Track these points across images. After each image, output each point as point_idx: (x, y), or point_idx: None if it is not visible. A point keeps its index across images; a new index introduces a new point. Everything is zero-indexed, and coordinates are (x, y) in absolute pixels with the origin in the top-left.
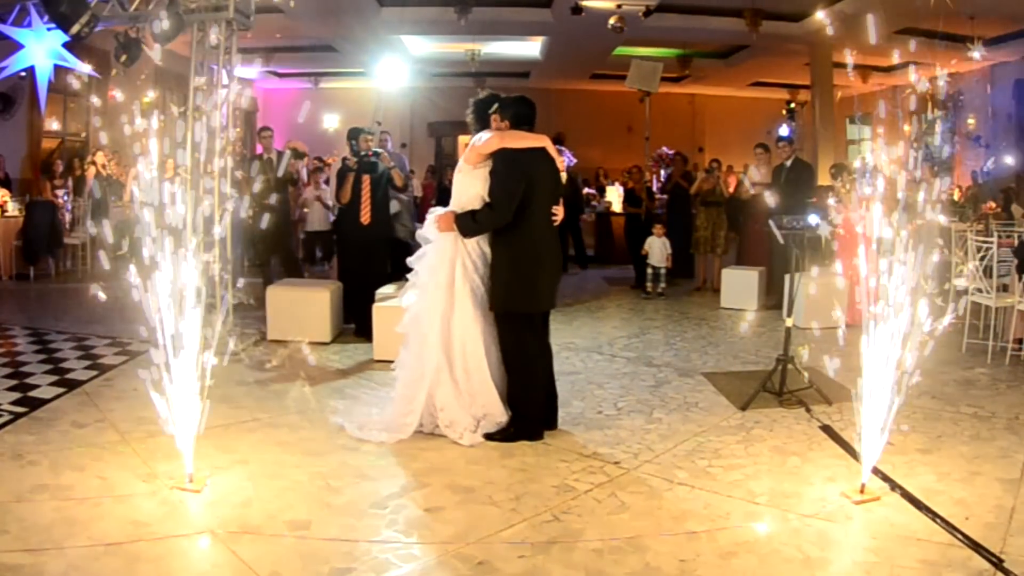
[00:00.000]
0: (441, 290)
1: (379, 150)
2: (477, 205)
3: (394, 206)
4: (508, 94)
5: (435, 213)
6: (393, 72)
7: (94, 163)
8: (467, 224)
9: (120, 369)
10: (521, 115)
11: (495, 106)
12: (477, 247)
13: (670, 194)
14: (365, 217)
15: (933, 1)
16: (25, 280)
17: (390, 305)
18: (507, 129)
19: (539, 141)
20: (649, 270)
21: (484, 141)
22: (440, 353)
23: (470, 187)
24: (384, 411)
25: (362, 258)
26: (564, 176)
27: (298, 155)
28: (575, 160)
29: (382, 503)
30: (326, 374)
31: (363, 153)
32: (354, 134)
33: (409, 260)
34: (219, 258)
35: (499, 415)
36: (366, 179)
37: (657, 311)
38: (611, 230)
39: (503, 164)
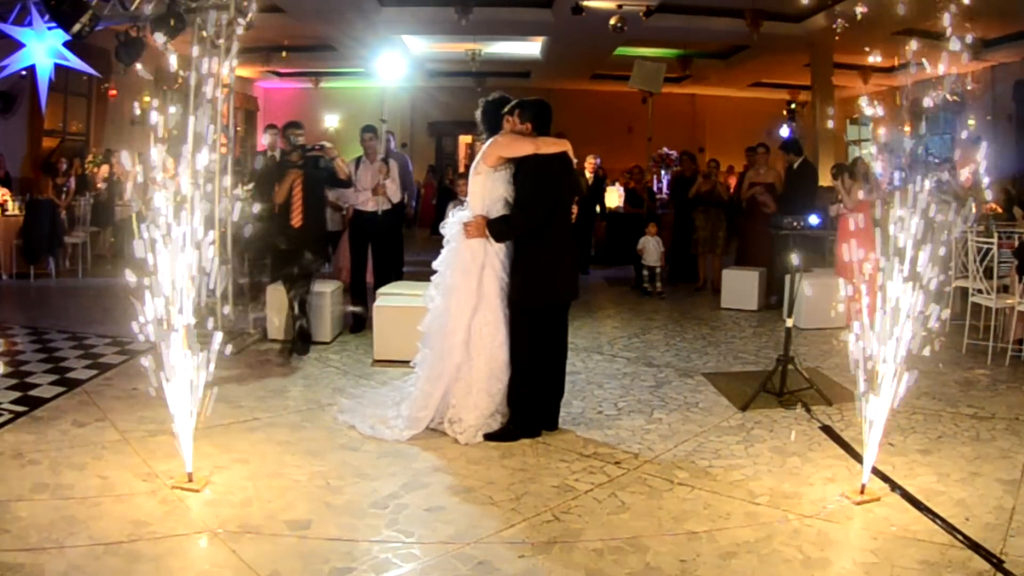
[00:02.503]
0: (470, 292)
1: (325, 143)
2: (501, 207)
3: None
4: (512, 95)
5: (461, 217)
6: (393, 68)
7: (107, 163)
8: (501, 229)
9: (120, 368)
10: (543, 118)
11: (512, 107)
12: (504, 248)
13: (679, 194)
14: (296, 220)
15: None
16: (25, 279)
17: (390, 305)
18: (529, 132)
19: (564, 146)
20: (644, 271)
21: (512, 145)
22: (463, 353)
23: (493, 190)
24: (398, 408)
25: (290, 263)
26: (591, 177)
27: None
28: (575, 160)
29: (382, 503)
30: (326, 373)
31: (308, 147)
32: (287, 128)
33: (435, 263)
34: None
35: (504, 416)
36: (299, 177)
37: (657, 311)
38: (611, 230)
39: (537, 169)
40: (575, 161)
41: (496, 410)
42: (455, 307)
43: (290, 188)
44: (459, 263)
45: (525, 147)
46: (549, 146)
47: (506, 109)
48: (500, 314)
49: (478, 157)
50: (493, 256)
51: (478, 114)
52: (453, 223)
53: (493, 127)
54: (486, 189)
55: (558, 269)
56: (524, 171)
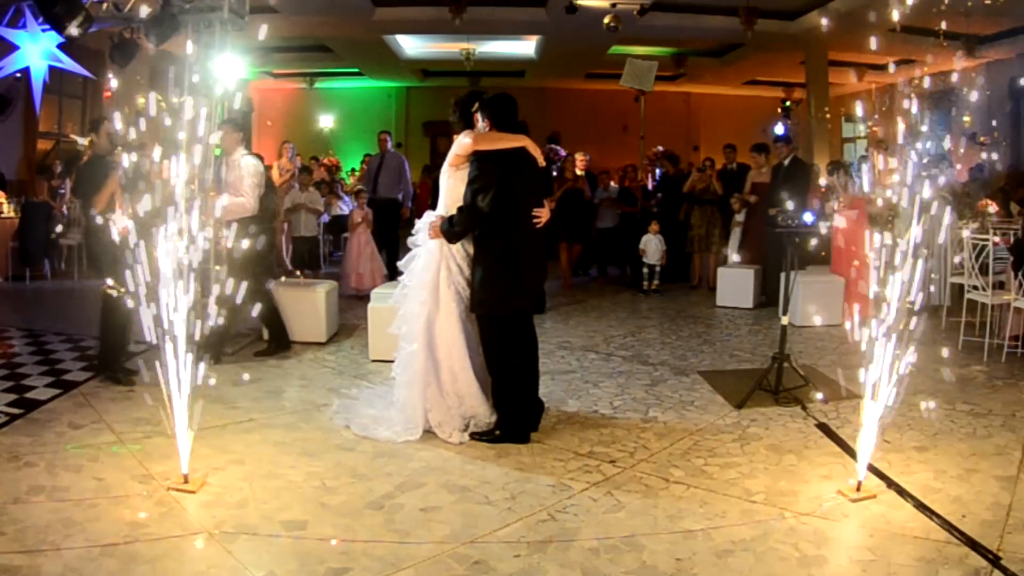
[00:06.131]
0: (427, 293)
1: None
2: None
3: None
4: (491, 92)
5: (428, 219)
6: (229, 68)
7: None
8: (447, 229)
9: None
10: (501, 113)
11: (476, 105)
12: (462, 250)
13: (665, 193)
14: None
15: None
16: (21, 281)
17: (385, 306)
18: (489, 128)
19: (517, 141)
20: (645, 268)
21: (463, 144)
22: (427, 355)
23: (454, 190)
24: (389, 411)
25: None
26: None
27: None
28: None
29: (378, 503)
30: (322, 374)
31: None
32: (97, 123)
33: (400, 264)
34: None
35: (486, 416)
36: (114, 178)
37: (653, 309)
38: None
39: (475, 166)
40: (583, 160)
41: (475, 412)
42: (415, 310)
43: (112, 192)
44: (418, 265)
45: (467, 144)
46: (491, 142)
47: (475, 107)
48: (458, 316)
49: (447, 159)
50: (450, 258)
51: (451, 113)
52: (421, 224)
53: (468, 125)
54: (447, 189)
55: (515, 277)
56: (470, 168)
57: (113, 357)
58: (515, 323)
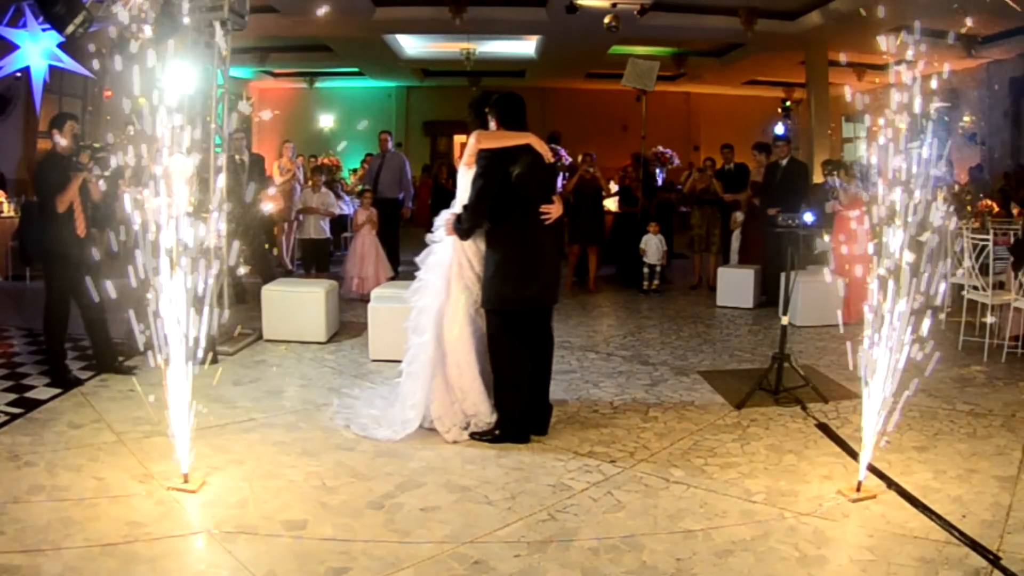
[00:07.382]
0: (439, 288)
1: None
2: None
3: None
4: (500, 91)
5: (446, 216)
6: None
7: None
8: (455, 226)
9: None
10: (507, 112)
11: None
12: (474, 246)
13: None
14: (81, 228)
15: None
16: (21, 281)
17: (385, 306)
18: (496, 127)
19: (522, 139)
20: (645, 268)
21: (471, 144)
22: (435, 346)
23: (467, 187)
24: (390, 411)
25: (77, 279)
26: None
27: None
28: (570, 159)
29: (378, 503)
30: (322, 374)
31: (97, 145)
32: (61, 120)
33: (417, 259)
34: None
35: (487, 415)
36: (85, 181)
37: (653, 310)
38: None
39: (478, 164)
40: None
41: (477, 410)
42: (428, 304)
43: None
44: (431, 260)
45: (472, 144)
46: (494, 140)
47: (488, 107)
48: (466, 312)
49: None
50: (461, 253)
51: (468, 114)
52: (439, 222)
53: (483, 124)
54: (461, 187)
55: (525, 271)
56: (476, 166)
57: (61, 358)
58: (521, 320)
